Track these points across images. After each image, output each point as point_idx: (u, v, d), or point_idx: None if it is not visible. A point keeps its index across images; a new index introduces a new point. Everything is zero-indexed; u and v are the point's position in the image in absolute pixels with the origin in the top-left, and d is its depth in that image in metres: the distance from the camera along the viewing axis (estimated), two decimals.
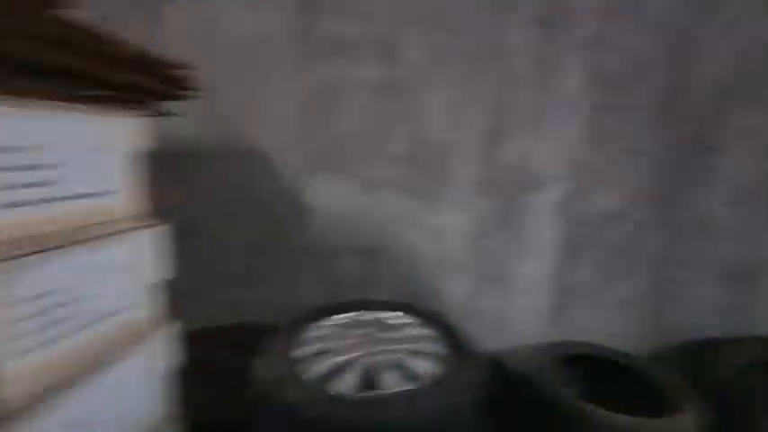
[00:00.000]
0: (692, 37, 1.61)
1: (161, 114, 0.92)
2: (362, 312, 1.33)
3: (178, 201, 1.46)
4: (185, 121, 1.46)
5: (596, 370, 1.65)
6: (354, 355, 1.06)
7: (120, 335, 0.80)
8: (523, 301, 1.77)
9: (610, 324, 1.77)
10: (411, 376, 0.99)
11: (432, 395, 0.94)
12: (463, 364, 1.07)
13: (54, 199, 0.67)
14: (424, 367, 1.02)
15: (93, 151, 0.76)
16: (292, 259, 1.69)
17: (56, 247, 0.64)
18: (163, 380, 0.92)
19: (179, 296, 0.99)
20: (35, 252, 0.61)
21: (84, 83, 0.68)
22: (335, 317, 1.29)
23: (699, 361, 1.64)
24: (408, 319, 1.27)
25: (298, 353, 1.05)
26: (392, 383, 0.96)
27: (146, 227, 0.86)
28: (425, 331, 1.20)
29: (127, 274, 0.81)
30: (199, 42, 1.48)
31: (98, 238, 0.74)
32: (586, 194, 1.71)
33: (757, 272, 1.71)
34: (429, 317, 1.31)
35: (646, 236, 1.72)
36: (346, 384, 0.96)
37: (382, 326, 1.24)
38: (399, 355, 1.07)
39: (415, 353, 1.08)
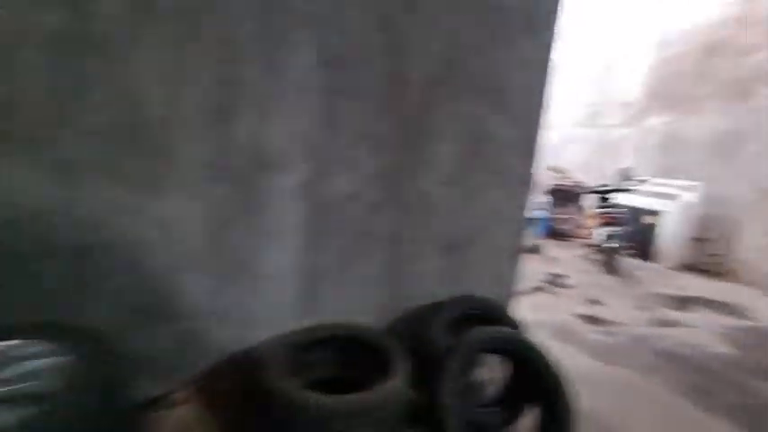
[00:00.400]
0: (403, 30, 1.68)
1: None
2: None
3: None
4: None
5: (343, 346, 1.69)
6: None
7: None
8: (272, 290, 1.69)
9: (356, 301, 1.83)
10: None
11: None
12: (70, 402, 0.84)
13: None
14: (11, 417, 0.76)
15: None
16: None
17: None
18: None
19: None
20: None
21: None
22: None
23: (421, 323, 1.83)
24: (34, 348, 0.98)
25: None
26: None
27: None
28: (50, 361, 0.94)
29: None
30: None
31: None
32: (325, 177, 1.69)
33: (467, 243, 1.97)
34: (71, 339, 1.03)
35: (380, 216, 1.80)
36: None
37: None
38: None
39: (12, 398, 0.82)
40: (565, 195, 6.61)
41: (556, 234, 6.79)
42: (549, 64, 1.93)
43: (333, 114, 1.67)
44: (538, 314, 3.26)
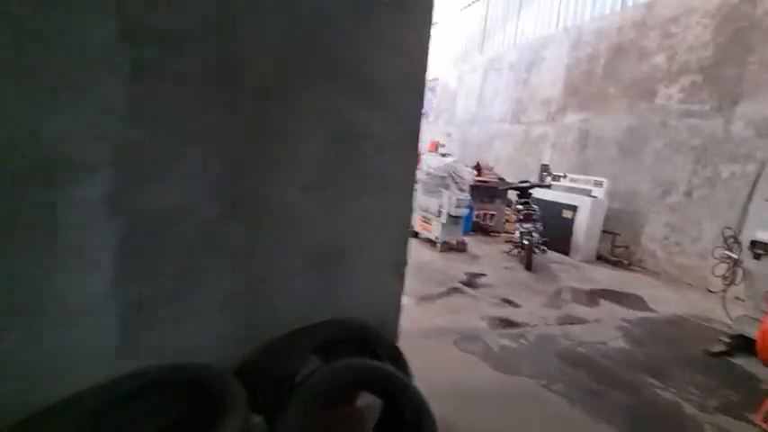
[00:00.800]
0: (242, 3, 1.38)
1: None
2: None
3: None
4: None
5: (168, 395, 1.37)
6: None
7: None
8: (75, 331, 1.31)
9: (198, 335, 1.50)
10: None
11: None
12: None
13: None
14: None
15: None
16: None
17: None
18: None
19: None
20: None
21: None
22: None
23: (282, 354, 1.55)
24: None
25: None
26: None
27: None
28: None
29: None
30: None
31: None
32: (145, 186, 1.33)
33: (339, 257, 1.71)
34: None
35: (225, 230, 1.48)
36: None
37: None
38: None
39: None
40: (489, 191, 6.68)
41: (481, 230, 6.86)
42: (426, 51, 1.72)
43: (149, 105, 1.31)
44: (448, 320, 3.13)
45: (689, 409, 2.24)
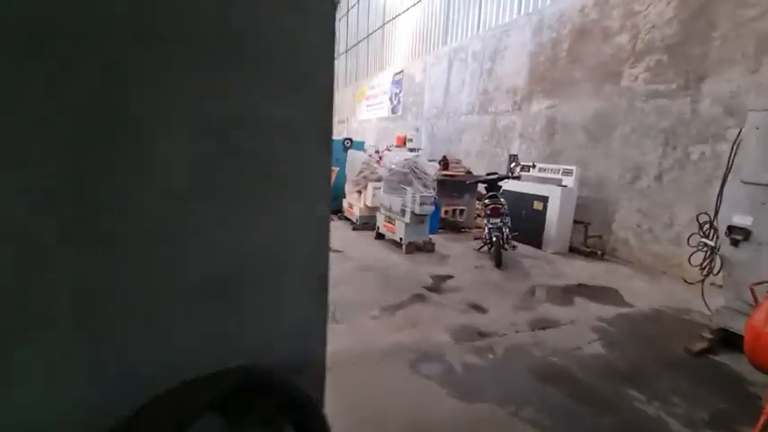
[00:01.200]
0: None
1: None
2: None
3: None
4: None
5: None
6: None
7: None
8: None
9: (34, 410, 1.07)
10: None
11: None
12: None
13: None
14: None
15: None
16: None
17: None
18: None
19: None
20: None
21: None
22: None
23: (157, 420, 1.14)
24: None
25: None
26: None
27: None
28: None
29: None
30: None
31: None
32: None
33: (231, 285, 1.31)
34: None
35: (58, 260, 1.05)
36: None
37: None
38: None
39: None
40: (457, 186, 6.37)
41: (450, 227, 6.56)
42: (333, 12, 1.33)
43: None
44: (407, 335, 2.76)
45: (676, 426, 1.95)
